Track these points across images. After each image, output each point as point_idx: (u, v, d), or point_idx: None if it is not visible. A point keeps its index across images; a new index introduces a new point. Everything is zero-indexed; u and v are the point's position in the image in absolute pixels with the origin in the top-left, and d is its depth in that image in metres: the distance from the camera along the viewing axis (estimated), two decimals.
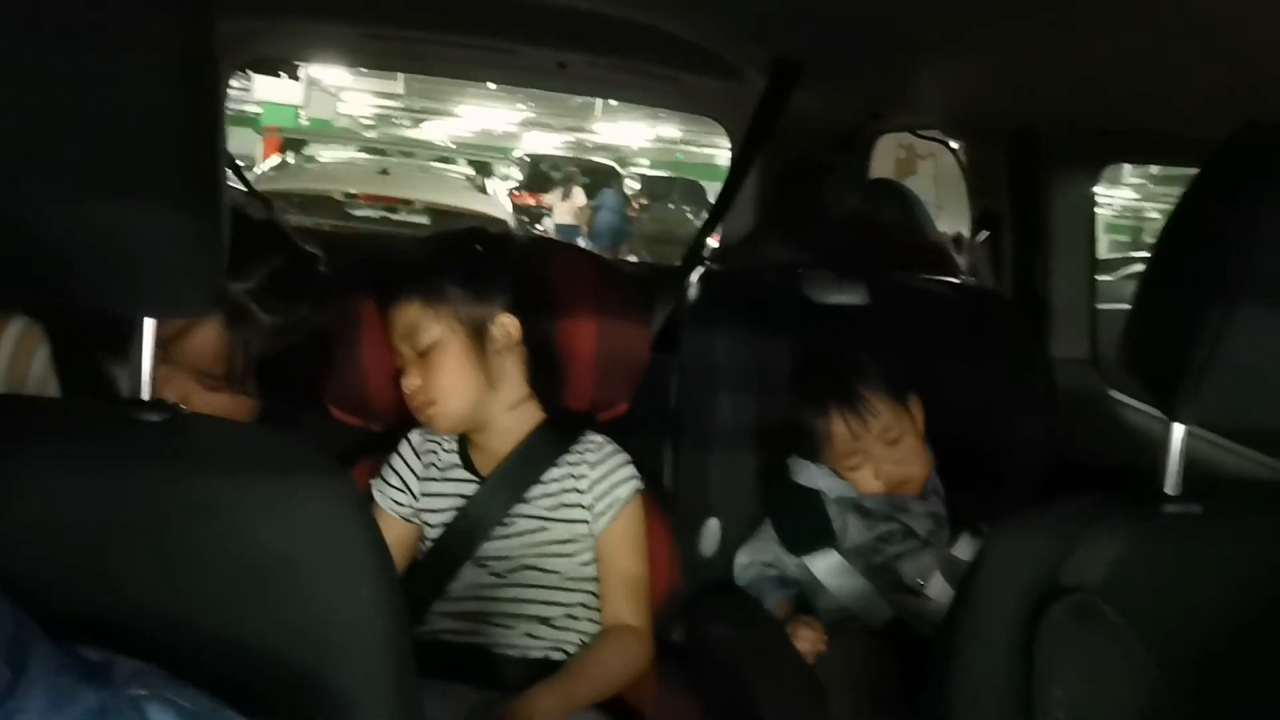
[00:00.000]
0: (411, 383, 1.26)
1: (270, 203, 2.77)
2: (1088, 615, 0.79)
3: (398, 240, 3.58)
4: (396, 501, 1.31)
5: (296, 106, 13.04)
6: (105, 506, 0.65)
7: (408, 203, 5.97)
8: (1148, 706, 0.79)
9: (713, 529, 1.55)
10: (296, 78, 11.56)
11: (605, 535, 1.29)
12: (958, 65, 1.59)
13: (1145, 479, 0.86)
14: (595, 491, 1.30)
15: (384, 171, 6.49)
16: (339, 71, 11.46)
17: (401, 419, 1.34)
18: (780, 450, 1.55)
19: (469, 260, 1.29)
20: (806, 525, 1.49)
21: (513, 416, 1.30)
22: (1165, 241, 0.85)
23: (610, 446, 1.33)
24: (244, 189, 2.90)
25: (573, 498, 1.29)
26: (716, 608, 1.50)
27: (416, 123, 17.34)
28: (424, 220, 5.87)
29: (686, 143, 17.03)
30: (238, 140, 10.16)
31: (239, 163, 3.71)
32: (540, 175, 12.89)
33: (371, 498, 1.32)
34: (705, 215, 2.33)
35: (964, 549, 1.45)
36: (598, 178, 12.17)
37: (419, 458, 1.33)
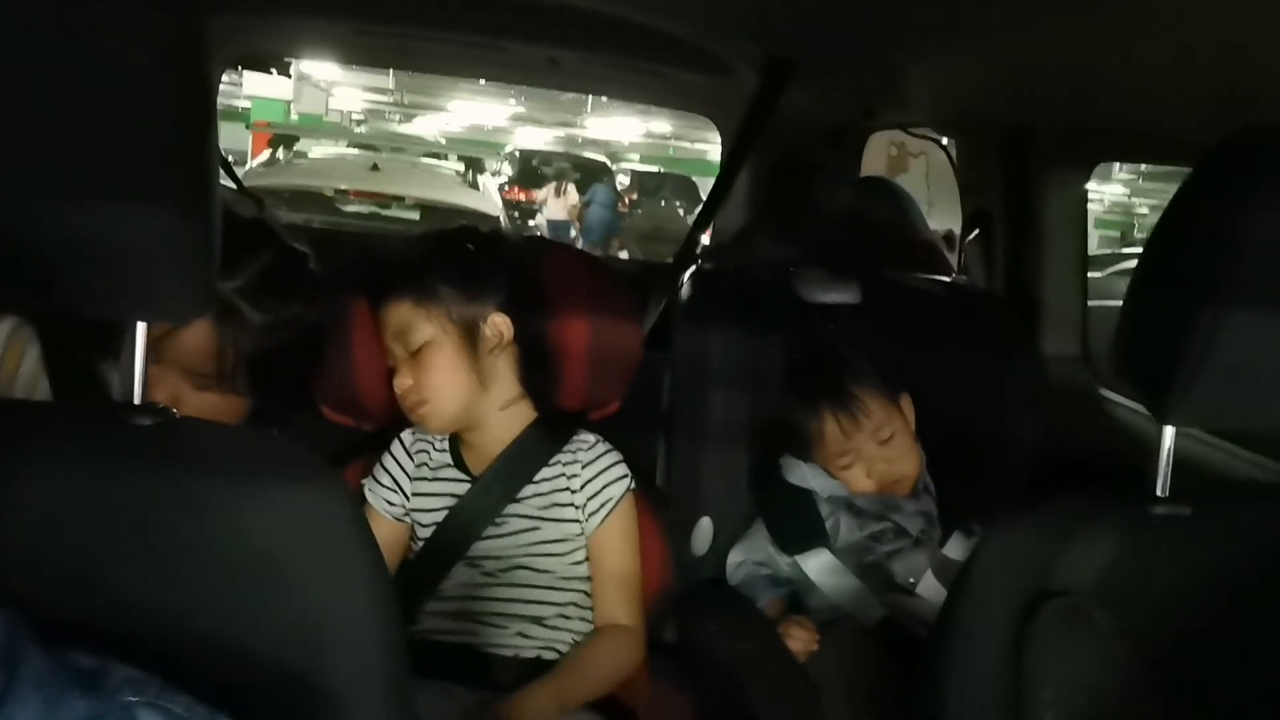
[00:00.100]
0: (403, 382, 1.26)
1: (261, 201, 2.76)
2: (1078, 618, 0.80)
3: (389, 237, 3.57)
4: (388, 501, 1.31)
5: (287, 101, 12.98)
6: (97, 510, 0.65)
7: (399, 198, 5.95)
8: (1137, 708, 0.79)
9: (705, 528, 1.55)
10: (288, 74, 11.50)
11: (597, 534, 1.29)
12: (951, 63, 1.59)
13: (1136, 476, 0.86)
14: (587, 491, 1.30)
15: (375, 167, 6.46)
16: (329, 66, 11.41)
17: (393, 418, 1.33)
18: (773, 449, 1.55)
19: (461, 259, 1.29)
20: (798, 524, 1.49)
21: (505, 416, 1.30)
22: (1156, 244, 0.85)
23: (602, 445, 1.33)
24: (234, 186, 2.88)
25: (565, 497, 1.29)
26: (709, 607, 1.50)
27: (407, 118, 17.31)
28: (415, 216, 5.85)
29: (678, 138, 17.03)
30: (228, 135, 10.08)
31: (229, 158, 3.69)
32: (531, 171, 12.89)
33: (363, 498, 1.32)
34: (697, 211, 2.32)
35: (955, 548, 1.45)
36: (589, 173, 12.18)
37: (410, 457, 1.33)
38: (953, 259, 2.13)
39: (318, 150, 7.19)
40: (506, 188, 11.88)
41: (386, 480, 1.32)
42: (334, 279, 1.24)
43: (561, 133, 17.50)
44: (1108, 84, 1.35)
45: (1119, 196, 17.32)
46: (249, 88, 12.33)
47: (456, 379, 1.25)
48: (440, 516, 1.28)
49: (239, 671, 0.65)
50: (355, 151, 7.32)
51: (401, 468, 1.32)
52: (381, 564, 0.72)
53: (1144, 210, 17.14)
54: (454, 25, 2.16)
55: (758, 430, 1.57)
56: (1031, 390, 1.67)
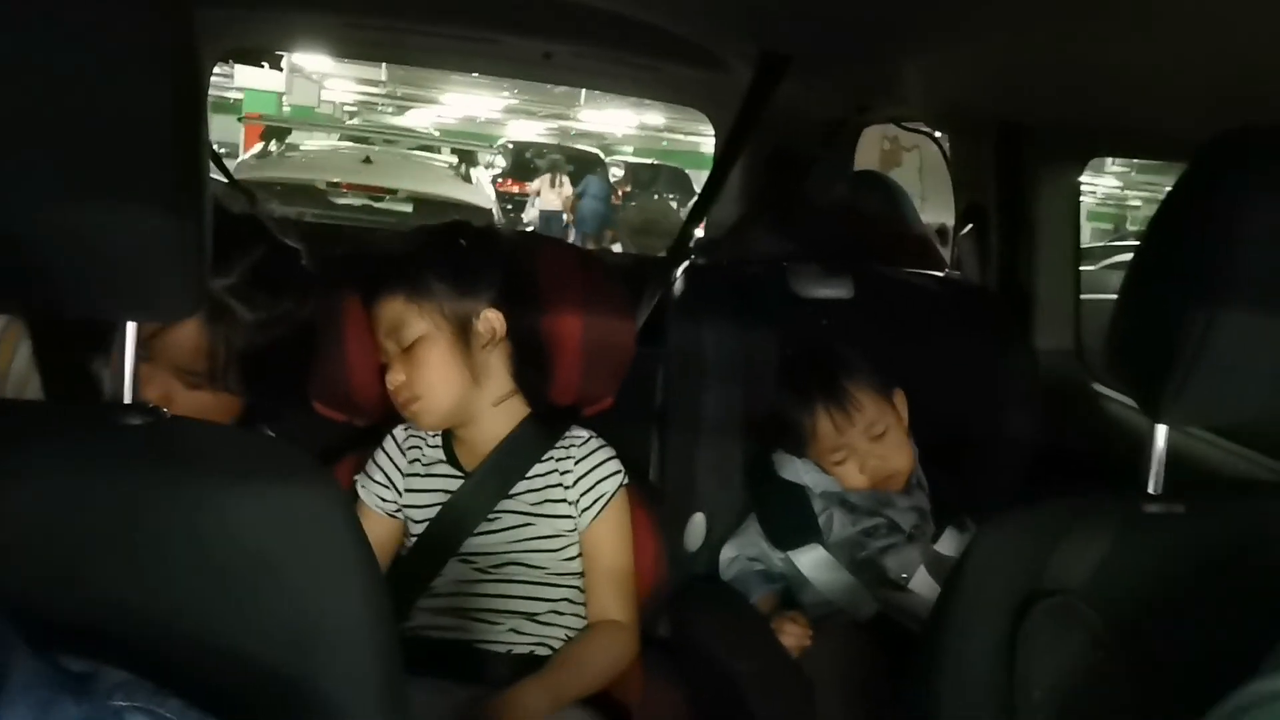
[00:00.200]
0: (395, 378, 1.25)
1: (253, 195, 2.75)
2: (1069, 618, 0.80)
3: (381, 232, 3.56)
4: (381, 497, 1.31)
5: (279, 94, 12.95)
6: (86, 511, 0.64)
7: (391, 192, 5.94)
8: (1128, 708, 0.79)
9: (698, 523, 1.55)
10: (279, 67, 11.47)
11: (591, 530, 1.29)
12: (945, 59, 1.59)
13: (1129, 471, 0.87)
14: (580, 486, 1.29)
15: (367, 160, 6.45)
16: (321, 59, 11.37)
17: (386, 414, 1.33)
18: (766, 444, 1.55)
19: (454, 255, 1.29)
20: (792, 520, 1.49)
21: (498, 412, 1.30)
22: (1149, 242, 0.85)
23: (595, 441, 1.33)
24: (225, 180, 2.87)
25: (558, 493, 1.29)
26: (702, 602, 1.51)
27: (400, 110, 17.25)
28: (407, 209, 5.83)
29: (671, 130, 16.99)
30: (219, 127, 10.05)
31: (221, 151, 3.67)
32: (524, 163, 12.86)
33: (356, 494, 1.31)
34: (690, 204, 2.32)
35: (948, 543, 1.45)
36: (582, 165, 12.15)
37: (403, 453, 1.32)
38: (946, 254, 2.13)
39: (310, 143, 7.17)
40: (499, 180, 11.85)
41: (379, 476, 1.31)
42: (326, 275, 1.24)
43: (555, 124, 17.45)
44: (1102, 81, 1.35)
45: (1112, 189, 17.34)
46: (241, 80, 12.31)
47: (449, 375, 1.25)
48: (433, 512, 1.28)
49: (231, 673, 0.65)
50: (348, 145, 7.31)
51: (394, 464, 1.32)
52: (374, 563, 0.71)
53: (1136, 203, 17.17)
54: (447, 19, 2.16)
55: (751, 425, 1.57)
56: (1024, 385, 1.68)
